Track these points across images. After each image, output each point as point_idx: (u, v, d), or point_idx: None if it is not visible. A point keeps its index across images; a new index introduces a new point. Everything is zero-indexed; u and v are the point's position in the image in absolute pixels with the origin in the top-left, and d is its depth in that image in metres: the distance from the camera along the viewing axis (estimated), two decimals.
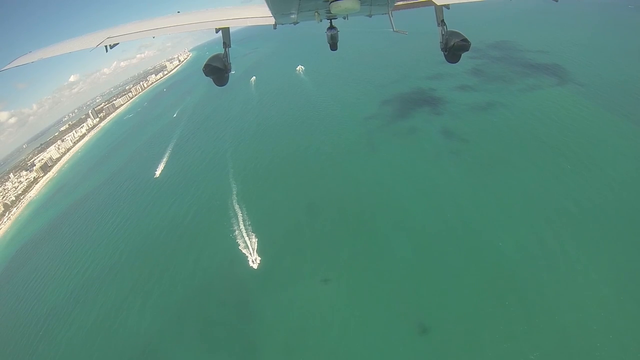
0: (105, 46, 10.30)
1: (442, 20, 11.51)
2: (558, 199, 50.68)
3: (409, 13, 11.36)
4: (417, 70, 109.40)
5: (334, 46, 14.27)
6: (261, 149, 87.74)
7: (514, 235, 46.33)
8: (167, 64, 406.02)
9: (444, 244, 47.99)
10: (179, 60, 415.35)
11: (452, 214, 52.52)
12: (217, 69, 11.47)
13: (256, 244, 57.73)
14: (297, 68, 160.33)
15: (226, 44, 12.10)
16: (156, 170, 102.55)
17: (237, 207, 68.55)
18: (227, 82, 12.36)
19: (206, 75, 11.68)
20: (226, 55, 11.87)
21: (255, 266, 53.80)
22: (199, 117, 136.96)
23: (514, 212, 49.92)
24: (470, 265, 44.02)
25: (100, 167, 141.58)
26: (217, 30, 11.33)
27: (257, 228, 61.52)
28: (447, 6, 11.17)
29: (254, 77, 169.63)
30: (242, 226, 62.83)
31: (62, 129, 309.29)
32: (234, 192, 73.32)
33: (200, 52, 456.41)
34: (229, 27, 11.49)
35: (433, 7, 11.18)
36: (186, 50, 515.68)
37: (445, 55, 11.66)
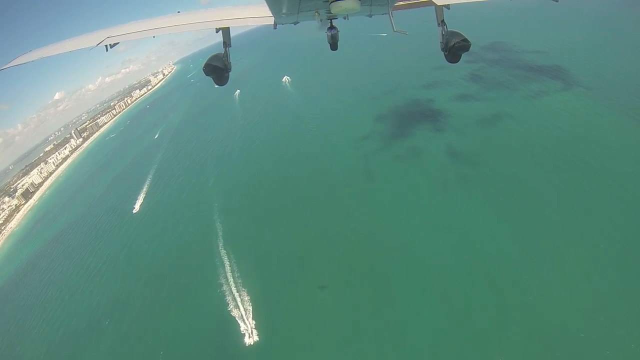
0: (106, 45, 10.18)
1: (442, 21, 11.37)
2: (587, 231, 42.83)
3: (403, 14, 10.92)
4: (410, 77, 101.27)
5: (334, 46, 14.11)
6: (246, 179, 78.29)
7: (548, 285, 38.16)
8: (152, 78, 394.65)
9: (467, 296, 39.59)
10: (164, 74, 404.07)
11: (470, 254, 44.10)
12: (217, 69, 11.35)
13: (250, 307, 47.66)
14: (284, 79, 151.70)
15: (226, 43, 12.01)
16: (135, 204, 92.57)
17: (223, 252, 58.88)
18: (227, 81, 12.23)
19: (206, 75, 11.55)
20: (226, 54, 11.78)
21: (251, 341, 43.04)
22: (181, 139, 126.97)
23: (541, 253, 41.75)
24: (501, 326, 35.67)
25: (80, 195, 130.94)
26: (217, 30, 11.24)
27: (248, 282, 51.81)
28: (447, 6, 10.97)
29: (238, 91, 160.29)
30: (230, 279, 52.90)
31: (46, 149, 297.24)
32: (219, 233, 63.75)
33: (185, 64, 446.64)
34: (229, 27, 11.41)
35: (433, 7, 11.00)
36: (171, 64, 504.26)
37: (445, 56, 11.47)
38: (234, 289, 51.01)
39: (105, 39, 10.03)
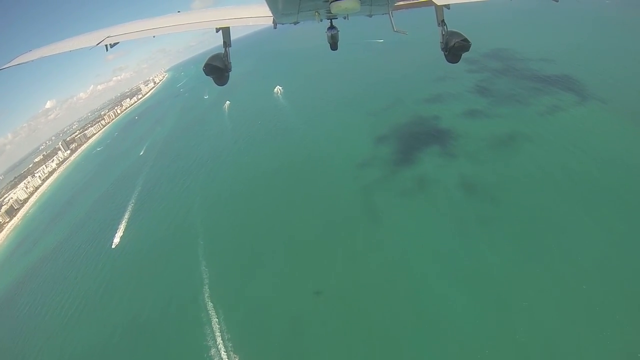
0: (106, 45, 10.05)
1: (443, 21, 11.12)
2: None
3: (403, 15, 10.57)
4: (411, 90, 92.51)
5: (334, 46, 13.91)
6: (235, 211, 69.04)
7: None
8: (142, 86, 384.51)
9: None
10: (154, 82, 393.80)
11: (495, 313, 36.15)
12: (217, 69, 11.13)
13: None
14: (275, 89, 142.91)
15: (226, 43, 11.78)
16: (114, 235, 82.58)
17: (210, 306, 49.42)
18: (227, 81, 12.02)
19: (207, 75, 11.35)
20: (226, 54, 11.52)
21: None
22: (166, 157, 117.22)
23: (577, 314, 33.81)
24: None
25: (61, 218, 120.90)
26: (217, 30, 11.03)
27: (241, 349, 43.24)
28: (447, 6, 10.83)
29: (228, 102, 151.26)
30: (220, 344, 43.53)
31: (36, 159, 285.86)
32: (206, 282, 54.02)
33: (176, 72, 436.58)
34: (229, 27, 11.15)
35: (433, 7, 10.82)
36: (162, 71, 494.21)
37: (445, 56, 11.21)
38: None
39: (105, 38, 9.84)
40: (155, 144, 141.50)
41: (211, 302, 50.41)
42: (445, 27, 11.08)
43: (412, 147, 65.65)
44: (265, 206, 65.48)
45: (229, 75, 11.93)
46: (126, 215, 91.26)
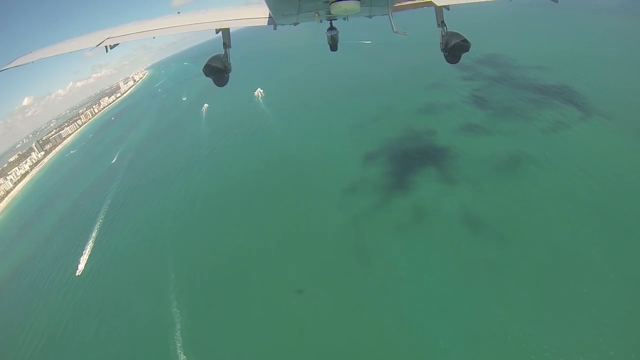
0: (106, 46, 9.87)
1: (442, 21, 11.01)
2: None
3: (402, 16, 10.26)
4: (401, 98, 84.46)
5: (334, 46, 13.71)
6: (207, 239, 59.86)
7: None
8: (122, 84, 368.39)
9: None
10: (134, 80, 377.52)
11: None
12: (217, 70, 11.12)
13: None
14: (256, 92, 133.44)
15: (226, 44, 11.64)
16: (80, 260, 72.17)
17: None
18: (227, 82, 11.91)
19: (206, 76, 11.33)
20: (226, 55, 11.48)
21: None
22: (138, 168, 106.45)
23: None
24: None
25: (27, 232, 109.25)
26: (217, 31, 10.93)
27: None
28: (447, 7, 10.64)
29: (206, 105, 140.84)
30: None
31: (11, 159, 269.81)
32: (177, 328, 45.20)
33: (157, 70, 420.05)
34: (229, 28, 11.03)
35: (433, 7, 10.62)
36: (143, 69, 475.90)
37: (445, 56, 11.25)
38: None
39: (106, 39, 9.66)
40: (128, 150, 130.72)
41: (184, 354, 42.14)
42: (445, 27, 10.87)
43: (405, 168, 57.47)
44: (238, 237, 56.50)
45: (228, 76, 11.74)
46: (93, 234, 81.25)
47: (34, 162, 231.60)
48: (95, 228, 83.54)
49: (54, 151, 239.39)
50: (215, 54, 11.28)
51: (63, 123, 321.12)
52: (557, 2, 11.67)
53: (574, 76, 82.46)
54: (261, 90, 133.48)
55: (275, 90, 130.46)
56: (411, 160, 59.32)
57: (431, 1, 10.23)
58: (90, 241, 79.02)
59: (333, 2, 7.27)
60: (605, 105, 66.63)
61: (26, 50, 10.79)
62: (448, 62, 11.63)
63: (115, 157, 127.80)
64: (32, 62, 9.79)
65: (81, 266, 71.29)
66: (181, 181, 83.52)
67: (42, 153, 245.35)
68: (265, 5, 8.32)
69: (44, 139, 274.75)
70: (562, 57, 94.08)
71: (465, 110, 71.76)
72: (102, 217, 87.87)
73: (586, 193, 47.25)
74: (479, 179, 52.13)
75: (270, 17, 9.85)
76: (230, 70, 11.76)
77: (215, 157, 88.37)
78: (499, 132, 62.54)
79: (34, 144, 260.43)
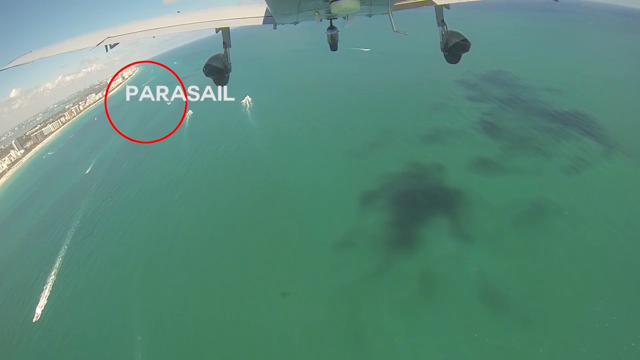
0: (105, 46, 9.78)
1: (442, 21, 10.71)
2: None
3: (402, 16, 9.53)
4: (402, 120, 74.55)
5: (334, 46, 13.14)
6: (176, 290, 49.04)
7: None
8: (116, 76, 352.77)
9: None
10: (123, 77, 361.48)
11: None
12: (217, 69, 10.93)
13: None
14: (244, 100, 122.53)
15: (226, 43, 11.42)
16: (38, 301, 59.72)
17: None
18: (227, 82, 11.73)
19: (206, 76, 11.14)
20: (226, 55, 11.29)
21: None
22: (112, 182, 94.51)
23: None
24: None
25: None
26: (217, 30, 10.70)
27: None
28: (447, 6, 10.39)
29: (191, 112, 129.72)
30: None
31: None
32: None
33: (147, 67, 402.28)
34: (229, 27, 10.82)
35: (433, 7, 10.43)
36: (133, 66, 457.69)
37: (445, 56, 10.87)
38: None
39: (106, 39, 9.54)
40: (104, 159, 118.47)
41: None
42: (445, 27, 10.54)
43: (411, 217, 47.28)
44: (203, 296, 46.21)
45: (229, 76, 11.43)
46: (56, 265, 69.27)
47: (13, 160, 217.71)
48: (59, 258, 71.76)
49: (33, 150, 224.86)
50: (215, 53, 10.91)
51: (48, 118, 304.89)
52: (557, 1, 11.32)
53: (586, 101, 75.20)
54: (249, 99, 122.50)
55: (264, 99, 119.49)
56: (417, 205, 49.11)
57: (431, 0, 9.89)
58: (52, 276, 66.97)
59: (333, 1, 7.12)
60: (623, 138, 60.15)
61: (26, 50, 10.58)
62: (448, 62, 10.83)
63: (90, 167, 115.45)
64: (32, 61, 9.56)
65: (38, 310, 59.00)
66: (153, 206, 72.29)
67: (22, 151, 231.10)
68: (266, 4, 8.29)
69: (27, 134, 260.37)
70: (570, 78, 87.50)
71: (476, 139, 62.43)
72: (67, 244, 75.98)
73: (615, 253, 39.31)
74: (498, 236, 42.69)
75: (270, 16, 9.62)
76: (230, 70, 11.38)
77: (191, 179, 76.87)
78: (517, 171, 53.35)
79: (13, 141, 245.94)
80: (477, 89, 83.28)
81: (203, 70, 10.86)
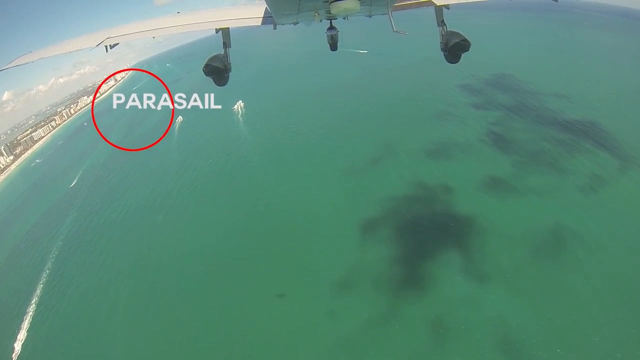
0: (106, 46, 9.65)
1: (442, 21, 10.55)
2: None
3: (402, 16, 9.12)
4: (403, 131, 69.05)
5: (334, 46, 13.06)
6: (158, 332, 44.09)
7: None
8: (102, 84, 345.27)
9: None
10: (115, 80, 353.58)
11: None
12: (217, 69, 10.66)
13: None
14: (236, 106, 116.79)
15: (226, 44, 11.21)
16: (17, 336, 53.32)
17: None
18: (227, 82, 11.49)
19: (206, 76, 10.86)
20: (226, 55, 11.09)
21: None
22: (97, 198, 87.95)
23: None
24: None
25: None
26: (217, 31, 10.59)
27: None
28: (447, 6, 10.25)
29: (180, 117, 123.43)
30: None
31: None
32: None
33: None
34: (229, 28, 10.65)
35: (433, 7, 10.29)
36: (127, 67, 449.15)
37: (445, 56, 10.72)
38: None
39: (106, 39, 9.42)
40: (90, 170, 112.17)
41: None
42: (445, 27, 10.41)
43: (417, 251, 41.49)
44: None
45: (229, 76, 11.31)
46: (37, 292, 63.48)
47: (1, 167, 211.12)
48: (39, 286, 66.06)
49: (22, 157, 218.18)
50: (215, 53, 10.66)
51: (39, 122, 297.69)
52: (556, 1, 11.01)
53: (595, 108, 71.11)
54: (242, 104, 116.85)
55: (257, 104, 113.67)
56: (425, 236, 43.42)
57: (431, 0, 9.73)
58: (32, 306, 60.84)
59: (333, 1, 7.07)
60: (637, 150, 56.01)
61: (26, 50, 10.36)
62: (448, 61, 10.66)
63: (76, 179, 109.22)
64: (32, 61, 9.46)
65: (17, 347, 53.34)
66: (137, 229, 66.69)
67: (12, 157, 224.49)
68: (265, 4, 8.24)
69: (17, 138, 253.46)
70: (574, 81, 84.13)
71: (485, 154, 57.26)
72: (50, 266, 70.23)
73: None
74: (516, 272, 37.52)
75: (270, 16, 9.49)
76: (230, 70, 11.06)
77: (177, 197, 70.51)
78: (531, 191, 48.27)
79: (2, 147, 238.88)
80: (481, 95, 78.15)
81: (203, 70, 10.55)
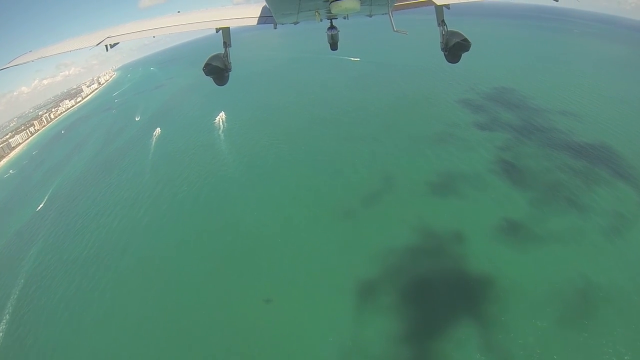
0: (106, 45, 9.40)
1: (442, 21, 10.29)
2: None
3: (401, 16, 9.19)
4: (403, 160, 60.95)
5: (334, 46, 12.61)
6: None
7: None
8: (85, 87, 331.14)
9: None
10: (99, 83, 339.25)
11: None
12: (217, 69, 10.49)
13: None
14: (217, 118, 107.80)
15: (226, 43, 10.97)
16: None
17: None
18: (227, 81, 11.27)
19: (206, 75, 10.69)
20: (226, 55, 10.86)
21: None
22: (62, 228, 77.79)
23: None
24: None
25: None
26: (217, 30, 10.38)
27: None
28: (447, 6, 10.04)
29: (159, 129, 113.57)
30: None
31: None
32: None
33: (124, 73, 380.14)
34: (229, 27, 10.46)
35: (433, 7, 10.03)
36: (111, 70, 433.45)
37: (445, 56, 10.41)
38: None
39: (106, 38, 9.20)
40: (64, 185, 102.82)
41: None
42: (445, 27, 10.16)
43: (425, 324, 33.51)
44: None
45: (229, 76, 11.14)
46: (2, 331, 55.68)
47: None
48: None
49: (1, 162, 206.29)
50: (215, 53, 10.49)
51: (20, 126, 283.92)
52: (557, 0, 10.29)
53: (606, 130, 65.76)
54: (224, 116, 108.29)
55: (239, 117, 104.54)
56: (434, 303, 35.29)
57: (431, 0, 9.47)
58: None
59: (333, 1, 6.92)
60: None
61: (26, 50, 10.20)
62: (448, 61, 10.37)
63: (44, 201, 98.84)
64: (32, 61, 9.25)
65: None
66: (100, 273, 57.79)
67: None
68: (266, 4, 8.06)
69: None
70: (578, 95, 79.54)
71: (497, 189, 49.88)
72: (8, 315, 61.16)
73: None
74: (544, 351, 30.61)
75: (270, 16, 9.30)
76: (230, 70, 10.86)
77: (145, 234, 62.23)
78: (553, 238, 41.15)
79: None
80: (484, 112, 71.08)
81: (203, 69, 10.27)
